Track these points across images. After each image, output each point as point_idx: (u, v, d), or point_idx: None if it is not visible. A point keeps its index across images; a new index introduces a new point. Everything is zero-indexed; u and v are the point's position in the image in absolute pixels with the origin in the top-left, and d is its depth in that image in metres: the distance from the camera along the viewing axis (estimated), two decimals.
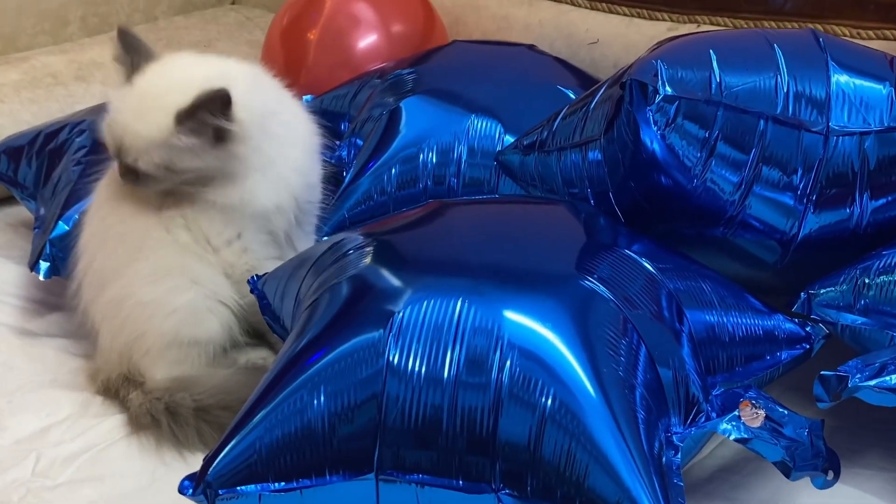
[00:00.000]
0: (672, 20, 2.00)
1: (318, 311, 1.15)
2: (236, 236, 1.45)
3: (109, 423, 1.45)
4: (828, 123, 1.29)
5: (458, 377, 1.06)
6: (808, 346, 1.28)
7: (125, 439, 1.42)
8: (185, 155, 1.35)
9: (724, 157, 1.29)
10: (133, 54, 1.41)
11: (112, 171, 1.52)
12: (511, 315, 1.08)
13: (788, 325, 1.27)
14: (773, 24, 1.85)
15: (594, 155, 1.42)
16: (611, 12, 2.08)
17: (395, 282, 1.13)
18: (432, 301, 1.09)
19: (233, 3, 2.79)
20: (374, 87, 1.86)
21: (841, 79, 1.31)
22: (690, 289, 1.23)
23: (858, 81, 1.31)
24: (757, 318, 1.25)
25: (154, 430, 1.40)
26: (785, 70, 1.30)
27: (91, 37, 2.48)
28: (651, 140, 1.28)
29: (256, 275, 1.43)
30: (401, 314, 1.09)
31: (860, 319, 1.25)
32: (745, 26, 1.90)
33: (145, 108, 1.36)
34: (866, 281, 1.26)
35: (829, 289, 1.29)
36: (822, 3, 1.80)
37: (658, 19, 2.02)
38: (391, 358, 1.07)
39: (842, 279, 1.28)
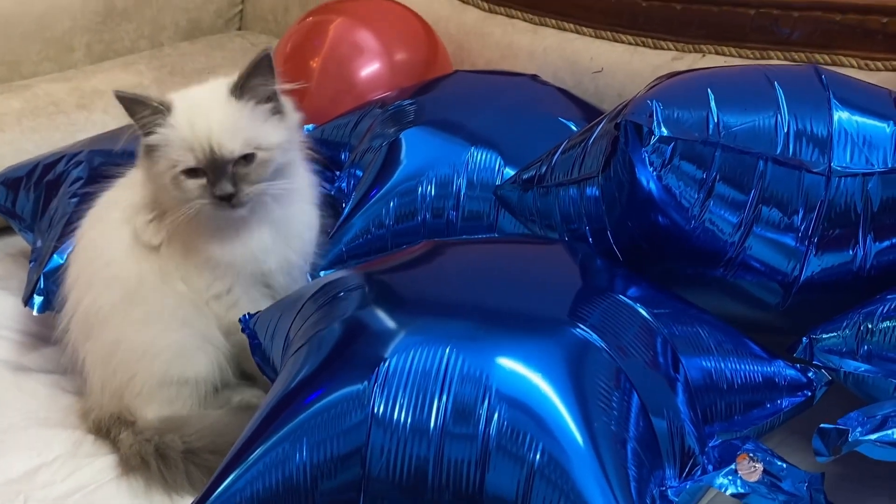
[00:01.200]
0: (677, 49, 1.97)
1: (303, 358, 1.13)
2: (225, 291, 1.43)
3: (100, 464, 1.43)
4: (829, 164, 1.26)
5: (444, 428, 1.03)
6: (809, 394, 1.24)
7: (115, 481, 1.40)
8: (263, 128, 1.36)
9: (723, 197, 1.26)
10: (148, 99, 1.36)
11: (96, 208, 1.51)
12: (500, 363, 1.06)
13: (789, 372, 1.24)
14: (779, 54, 1.82)
15: (592, 192, 1.39)
16: (615, 41, 2.05)
17: (383, 328, 1.11)
18: (420, 349, 1.07)
19: (239, 30, 2.78)
20: (375, 117, 1.85)
21: (843, 117, 1.27)
22: (687, 334, 1.20)
23: (861, 120, 1.28)
24: (756, 364, 1.22)
25: (143, 472, 1.39)
26: (785, 109, 1.27)
27: (96, 64, 2.47)
28: (647, 180, 1.25)
29: (248, 313, 1.40)
30: (387, 363, 1.06)
31: (863, 366, 1.22)
32: (752, 55, 1.86)
33: (206, 108, 1.35)
34: (869, 326, 1.22)
35: (831, 334, 1.25)
36: (828, 33, 1.77)
37: (663, 48, 1.98)
38: (376, 408, 1.04)
39: (844, 324, 1.24)
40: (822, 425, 1.08)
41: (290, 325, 1.26)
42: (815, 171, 1.25)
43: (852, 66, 1.73)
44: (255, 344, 1.36)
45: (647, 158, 1.23)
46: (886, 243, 1.28)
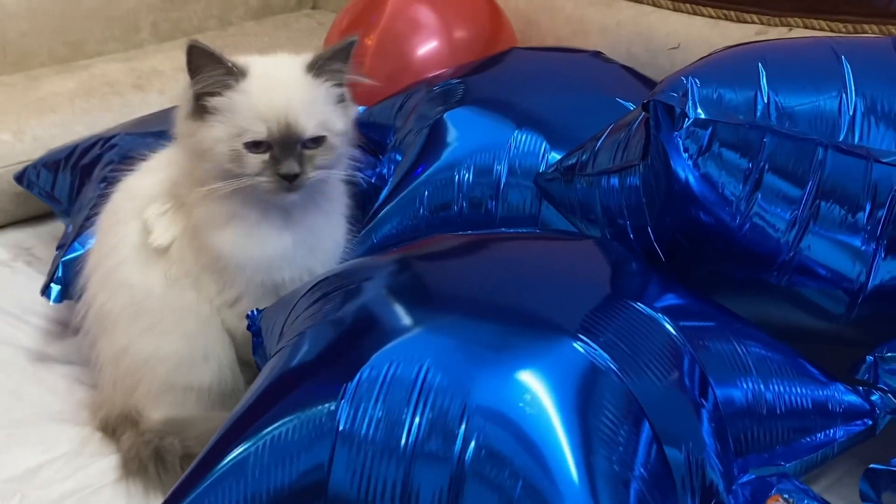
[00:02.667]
0: (762, 22, 1.78)
1: (276, 367, 1.02)
2: (235, 299, 1.33)
3: (103, 464, 1.36)
4: None
5: (416, 447, 0.90)
6: (871, 423, 1.06)
7: (114, 484, 1.33)
8: (333, 112, 1.28)
9: (774, 190, 1.08)
10: (224, 58, 1.25)
11: (115, 195, 1.43)
12: (487, 379, 0.92)
13: (847, 397, 1.06)
14: (874, 28, 1.62)
15: (633, 182, 1.23)
16: (695, 14, 1.88)
17: (360, 336, 0.99)
18: (396, 359, 0.94)
19: (313, 9, 2.69)
20: (421, 98, 1.72)
21: None
22: (723, 352, 1.04)
23: None
24: (805, 387, 1.05)
25: (142, 476, 1.31)
26: (853, 88, 1.08)
27: (162, 43, 2.42)
28: (683, 170, 1.08)
29: (256, 309, 1.30)
30: (359, 374, 0.94)
31: None
32: (844, 29, 1.66)
33: (285, 81, 1.26)
34: None
35: None
36: None
37: (747, 21, 1.80)
38: (344, 424, 0.92)
39: None
40: (872, 465, 0.91)
41: (284, 324, 1.15)
42: (884, 161, 1.06)
43: None
44: (257, 343, 1.26)
45: (680, 144, 1.06)
46: None
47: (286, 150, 1.24)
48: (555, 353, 0.94)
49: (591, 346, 0.95)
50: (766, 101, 1.07)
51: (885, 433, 1.09)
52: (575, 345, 0.94)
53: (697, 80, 1.07)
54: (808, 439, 1.03)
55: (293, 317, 1.13)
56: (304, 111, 1.24)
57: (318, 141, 1.26)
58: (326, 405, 0.93)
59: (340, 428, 0.92)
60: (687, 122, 1.05)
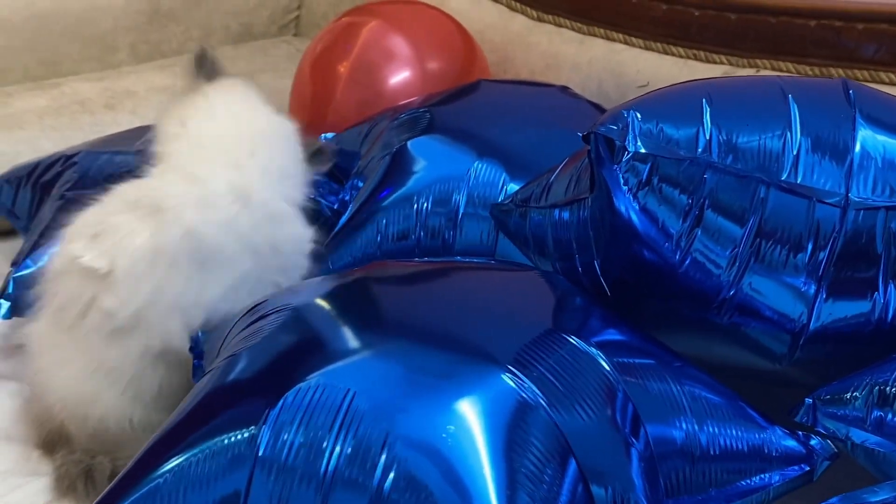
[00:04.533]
0: (730, 63, 1.78)
1: (202, 390, 1.00)
2: None
3: (37, 485, 1.33)
4: (847, 194, 1.06)
5: (336, 474, 0.88)
6: (808, 468, 1.04)
7: None
8: None
9: (714, 227, 1.07)
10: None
11: None
12: (412, 408, 0.90)
13: (785, 441, 1.04)
14: (840, 71, 1.62)
15: (583, 215, 1.22)
16: (665, 53, 1.88)
17: (286, 359, 0.97)
18: (321, 384, 0.93)
19: (295, 35, 2.69)
20: (386, 126, 1.71)
21: (868, 139, 1.07)
22: (659, 391, 1.02)
23: (891, 143, 1.07)
24: (742, 430, 1.03)
25: (73, 496, 1.28)
26: (798, 127, 1.07)
27: (140, 64, 2.42)
28: (625, 204, 1.07)
29: (201, 332, 1.28)
30: (283, 401, 0.92)
31: (873, 438, 1.01)
32: (811, 72, 1.66)
33: None
34: (885, 390, 1.01)
35: (838, 396, 1.04)
36: None
37: (715, 62, 1.80)
38: (263, 450, 0.90)
39: (853, 386, 1.04)
40: None
41: (221, 345, 1.13)
42: (827, 201, 1.05)
43: None
44: (196, 365, 1.24)
45: (620, 178, 1.05)
46: None
47: None
48: (483, 384, 0.92)
49: (521, 378, 0.93)
50: (707, 137, 1.06)
51: (833, 478, 1.06)
52: (504, 377, 0.93)
53: (639, 114, 1.06)
54: (744, 483, 1.01)
55: (230, 338, 1.11)
56: None
57: None
58: (247, 430, 0.91)
59: (260, 454, 0.90)
60: (626, 156, 1.05)
